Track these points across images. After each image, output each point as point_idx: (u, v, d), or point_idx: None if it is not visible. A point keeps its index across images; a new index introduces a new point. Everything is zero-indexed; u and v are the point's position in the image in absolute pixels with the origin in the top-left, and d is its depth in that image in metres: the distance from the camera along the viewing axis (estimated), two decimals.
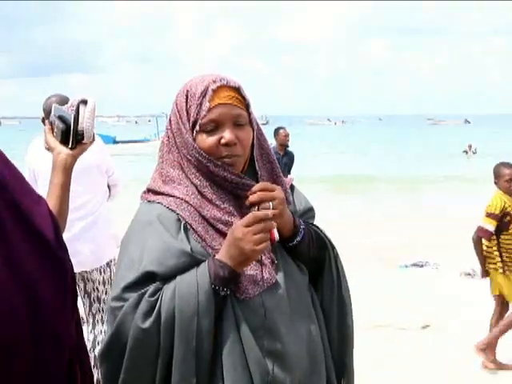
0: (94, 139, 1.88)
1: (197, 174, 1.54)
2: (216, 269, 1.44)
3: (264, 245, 1.45)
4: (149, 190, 1.60)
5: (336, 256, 1.70)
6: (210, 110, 1.50)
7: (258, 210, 1.51)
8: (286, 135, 8.59)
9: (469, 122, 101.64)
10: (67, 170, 1.84)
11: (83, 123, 1.81)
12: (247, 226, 1.44)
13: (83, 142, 1.84)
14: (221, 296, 1.44)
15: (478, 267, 4.89)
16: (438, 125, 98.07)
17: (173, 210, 1.51)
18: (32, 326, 1.24)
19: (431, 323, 5.36)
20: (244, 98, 1.55)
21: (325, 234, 1.70)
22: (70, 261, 1.37)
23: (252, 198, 1.51)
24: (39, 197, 1.36)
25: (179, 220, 1.51)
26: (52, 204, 1.75)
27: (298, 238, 1.60)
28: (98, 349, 3.22)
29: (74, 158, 1.85)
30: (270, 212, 1.47)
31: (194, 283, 1.43)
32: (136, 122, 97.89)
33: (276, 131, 8.70)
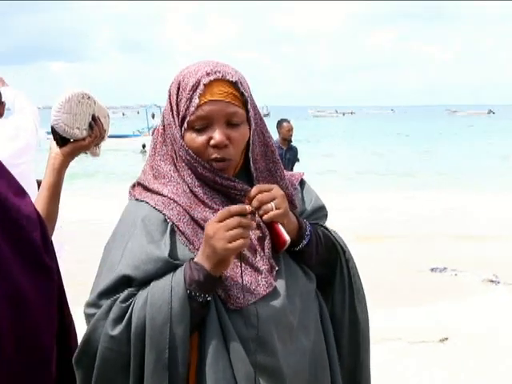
0: (98, 135, 1.89)
1: (189, 172, 1.55)
2: (191, 272, 1.43)
3: (239, 242, 1.41)
4: (138, 184, 1.61)
5: (348, 260, 1.70)
6: (199, 106, 1.50)
7: (259, 214, 1.51)
8: (290, 129, 8.57)
9: (493, 113, 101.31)
10: (56, 170, 1.86)
11: (52, 117, 1.84)
12: (220, 221, 1.42)
13: (72, 139, 1.86)
14: (199, 302, 1.43)
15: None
16: (457, 116, 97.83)
17: (159, 211, 1.52)
18: (14, 335, 1.26)
19: (450, 335, 5.35)
20: (242, 93, 1.54)
21: (335, 236, 1.70)
22: (58, 269, 1.38)
23: (253, 204, 1.51)
24: (25, 196, 1.37)
25: (166, 221, 1.51)
26: (40, 206, 1.77)
27: (304, 242, 1.60)
28: None
29: (66, 158, 1.88)
30: (247, 206, 1.45)
31: (168, 288, 1.43)
32: (123, 114, 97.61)
33: (279, 124, 8.67)
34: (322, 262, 1.66)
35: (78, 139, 1.88)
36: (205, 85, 1.50)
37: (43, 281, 1.33)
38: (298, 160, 8.91)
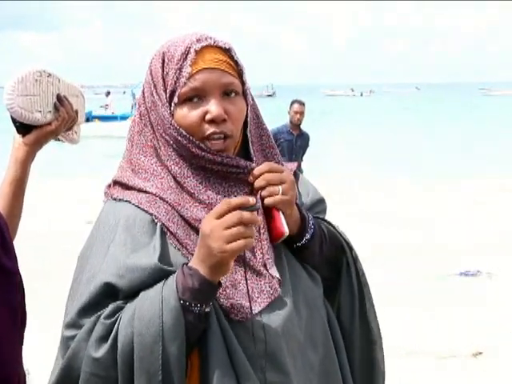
0: (67, 117, 1.87)
1: (177, 160, 1.53)
2: (184, 278, 1.40)
3: (240, 243, 1.38)
4: (115, 183, 1.60)
5: (356, 259, 1.71)
6: (191, 76, 1.50)
7: (262, 195, 1.50)
8: (297, 111, 8.50)
9: None
10: (19, 163, 1.86)
11: (4, 101, 1.82)
12: (218, 217, 1.39)
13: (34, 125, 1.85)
14: (195, 314, 1.40)
15: None
16: (492, 96, 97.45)
17: (145, 210, 1.51)
18: None
19: (485, 349, 5.36)
20: (236, 62, 1.55)
21: (340, 232, 1.71)
22: (20, 274, 1.37)
23: (258, 182, 1.51)
24: None
25: (153, 221, 1.50)
26: (1, 203, 1.77)
27: (308, 236, 1.60)
28: None
29: (31, 148, 1.86)
30: (250, 199, 1.41)
31: (158, 299, 1.40)
32: (107, 94, 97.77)
33: (290, 105, 8.64)
34: (326, 262, 1.66)
35: (42, 124, 1.87)
36: (196, 51, 1.51)
37: (4, 285, 1.31)
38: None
